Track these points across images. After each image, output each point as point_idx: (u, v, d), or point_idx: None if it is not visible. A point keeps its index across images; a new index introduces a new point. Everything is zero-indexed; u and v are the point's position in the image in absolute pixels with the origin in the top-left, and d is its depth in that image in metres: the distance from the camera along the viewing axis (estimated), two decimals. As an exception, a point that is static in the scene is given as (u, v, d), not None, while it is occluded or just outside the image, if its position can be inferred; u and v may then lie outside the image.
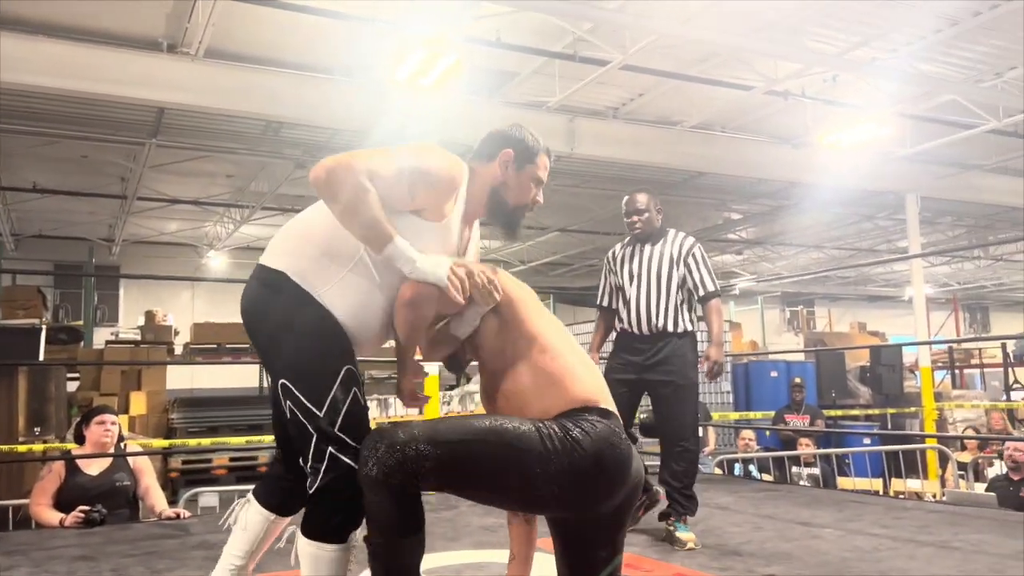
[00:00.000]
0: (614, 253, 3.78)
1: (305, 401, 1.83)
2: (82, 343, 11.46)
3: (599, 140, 8.42)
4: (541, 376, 1.87)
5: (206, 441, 7.54)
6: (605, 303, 3.81)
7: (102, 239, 13.79)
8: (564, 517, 1.90)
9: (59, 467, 3.86)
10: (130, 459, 3.97)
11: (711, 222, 13.76)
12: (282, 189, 10.35)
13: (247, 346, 11.63)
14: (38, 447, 6.60)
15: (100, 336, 13.04)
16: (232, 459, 9.19)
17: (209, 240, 14.33)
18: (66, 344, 10.48)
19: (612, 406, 1.90)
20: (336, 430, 1.82)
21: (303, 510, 1.91)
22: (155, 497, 3.96)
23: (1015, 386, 12.92)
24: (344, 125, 7.73)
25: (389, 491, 1.71)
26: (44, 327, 8.28)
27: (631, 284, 3.60)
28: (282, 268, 1.91)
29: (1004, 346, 12.90)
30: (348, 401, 1.84)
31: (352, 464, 1.79)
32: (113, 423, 3.98)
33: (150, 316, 11.80)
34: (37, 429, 6.90)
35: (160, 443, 8.01)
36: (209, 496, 6.03)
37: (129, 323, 13.77)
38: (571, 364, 1.89)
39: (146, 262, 14.91)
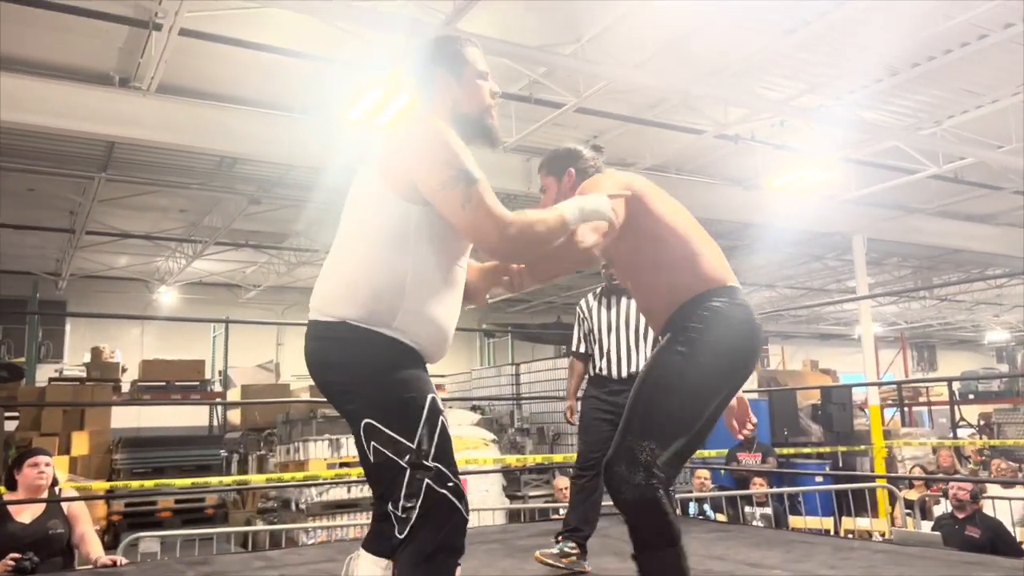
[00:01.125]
0: (587, 304, 4.00)
1: (396, 436, 1.77)
2: (23, 380, 11.10)
3: (555, 180, 8.50)
4: (673, 266, 2.19)
5: (149, 483, 7.30)
6: (581, 350, 4.01)
7: (48, 273, 13.45)
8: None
9: None
10: (64, 505, 3.82)
11: (666, 261, 13.93)
12: (236, 224, 10.24)
13: (196, 383, 11.41)
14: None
15: (44, 373, 12.64)
16: (178, 501, 8.92)
17: (160, 275, 14.06)
18: (6, 382, 10.14)
19: (734, 280, 2.22)
20: (431, 460, 1.76)
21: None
22: (91, 544, 3.81)
23: (961, 423, 13.22)
24: (299, 161, 7.71)
25: (658, 502, 1.93)
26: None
27: (609, 334, 3.85)
28: (340, 317, 1.84)
29: (950, 385, 13.22)
30: (438, 431, 1.80)
31: (448, 495, 1.75)
32: (47, 464, 3.84)
33: (97, 353, 11.51)
34: (-32, 472, 6.61)
35: (101, 485, 7.74)
36: (150, 541, 5.82)
37: (75, 360, 13.38)
38: (697, 250, 2.20)
39: (95, 297, 14.56)
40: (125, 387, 11.44)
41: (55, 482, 3.92)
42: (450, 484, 1.77)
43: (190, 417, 12.76)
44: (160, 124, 6.59)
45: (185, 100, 6.72)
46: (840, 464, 10.12)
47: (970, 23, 5.86)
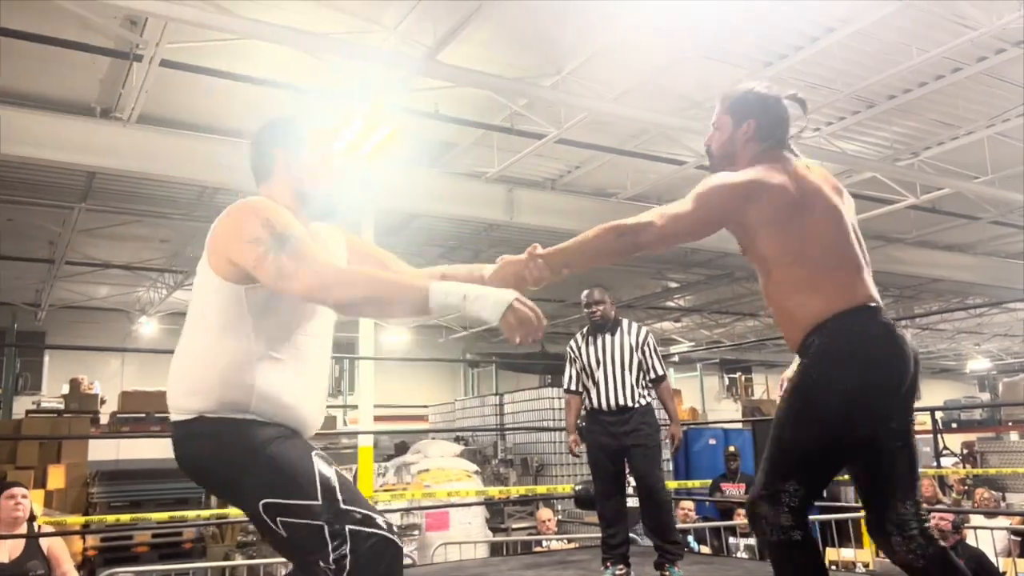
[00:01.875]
0: (577, 342, 4.33)
1: (300, 501, 1.75)
2: (-1, 413, 10.94)
3: (537, 210, 8.56)
4: (815, 277, 2.07)
5: (125, 517, 7.17)
6: (573, 387, 4.36)
7: (27, 304, 13.30)
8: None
9: None
10: (44, 545, 3.73)
11: (649, 290, 13.99)
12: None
13: (177, 415, 11.26)
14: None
15: (21, 405, 12.44)
16: (155, 535, 8.76)
17: (141, 305, 13.94)
18: (-19, 414, 9.98)
19: (873, 292, 2.10)
20: (344, 506, 1.76)
21: None
22: None
23: (944, 452, 13.22)
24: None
25: (803, 545, 1.94)
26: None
27: (598, 368, 4.17)
28: (197, 412, 1.83)
29: (933, 413, 13.24)
30: (336, 479, 1.79)
31: (375, 531, 1.75)
32: (24, 496, 3.77)
33: (75, 384, 11.35)
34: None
35: (77, 520, 7.59)
36: (124, 577, 5.70)
37: (53, 391, 13.18)
38: (823, 275, 2.07)
39: (74, 328, 14.38)
40: (104, 419, 11.26)
41: (32, 517, 3.84)
42: (373, 521, 1.76)
43: (169, 449, 12.54)
44: (141, 154, 6.57)
45: (166, 131, 6.72)
46: (824, 494, 10.07)
47: (944, 56, 5.97)
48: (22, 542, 3.68)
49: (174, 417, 1.87)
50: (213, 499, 10.12)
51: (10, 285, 12.20)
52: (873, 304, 2.07)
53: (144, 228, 9.84)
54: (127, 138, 6.50)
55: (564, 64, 6.14)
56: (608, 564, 4.06)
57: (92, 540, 8.34)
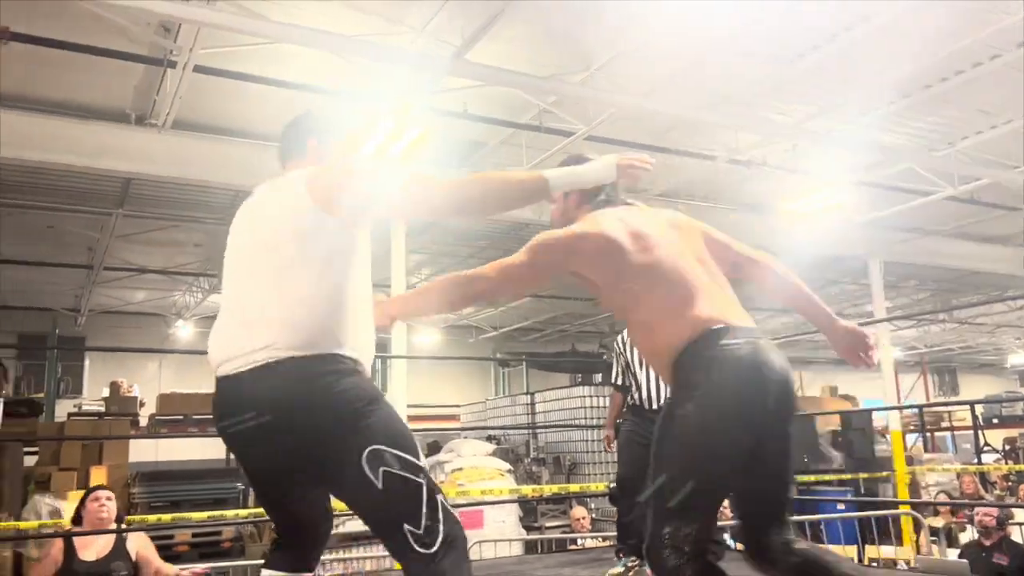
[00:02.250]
0: (623, 339, 4.31)
1: (406, 455, 1.76)
2: (42, 416, 11.16)
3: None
4: (658, 312, 2.05)
5: (166, 517, 7.29)
6: (619, 382, 4.33)
7: (67, 309, 13.57)
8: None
9: (56, 552, 3.79)
10: (132, 547, 3.83)
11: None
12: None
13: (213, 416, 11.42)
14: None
15: (63, 408, 12.70)
16: (195, 535, 8.89)
17: (177, 309, 14.15)
18: (25, 417, 10.20)
19: (734, 318, 2.03)
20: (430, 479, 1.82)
21: None
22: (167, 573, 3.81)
23: (986, 448, 12.98)
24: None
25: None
26: (2, 400, 8.08)
27: (641, 368, 4.12)
28: (287, 353, 1.77)
29: (973, 409, 13.00)
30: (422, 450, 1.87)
31: (453, 512, 1.80)
32: (109, 499, 3.92)
33: (115, 387, 11.55)
34: (-11, 508, 6.65)
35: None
36: None
37: (94, 394, 13.45)
38: (687, 291, 2.04)
39: (113, 332, 14.67)
40: (143, 421, 11.46)
41: (120, 518, 3.96)
42: (449, 503, 1.81)
43: (207, 450, 12.76)
44: (175, 160, 6.68)
45: (200, 136, 6.81)
46: (862, 491, 9.94)
47: (982, 43, 5.84)
48: (110, 543, 3.80)
49: (270, 357, 1.77)
50: (250, 498, 10.26)
51: (51, 291, 12.47)
52: (717, 327, 1.98)
53: (179, 233, 9.99)
54: (162, 144, 6.60)
55: (593, 60, 6.12)
56: (621, 555, 4.01)
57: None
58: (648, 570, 3.90)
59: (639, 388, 4.14)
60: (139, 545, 3.88)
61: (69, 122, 6.47)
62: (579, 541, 7.23)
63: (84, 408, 11.95)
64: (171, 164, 6.66)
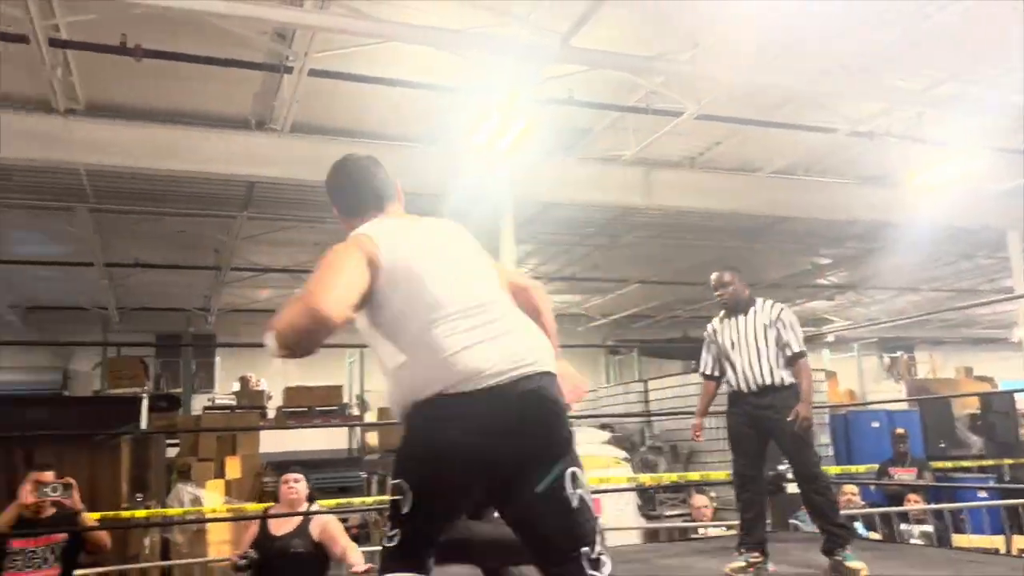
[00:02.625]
0: (713, 327, 4.31)
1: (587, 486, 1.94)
2: (180, 410, 11.90)
3: (677, 190, 8.36)
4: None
5: (297, 504, 7.60)
6: (709, 371, 4.33)
7: (199, 309, 14.40)
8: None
9: (255, 526, 4.19)
10: (314, 529, 4.04)
11: (798, 268, 13.37)
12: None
13: (336, 407, 11.87)
14: (140, 513, 6.82)
15: (198, 402, 13.51)
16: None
17: (299, 306, 14.74)
18: (166, 411, 10.90)
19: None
20: None
21: None
22: (351, 557, 4.00)
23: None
24: (423, 190, 7.90)
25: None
26: (146, 396, 8.65)
27: (734, 351, 4.12)
28: (553, 370, 2.00)
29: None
30: None
31: None
32: (296, 481, 4.14)
33: (244, 381, 12.19)
34: (139, 496, 7.14)
35: (255, 507, 8.15)
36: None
37: (225, 389, 14.23)
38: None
39: (241, 329, 15.46)
40: (271, 413, 12.03)
41: (312, 499, 4.20)
42: None
43: (331, 440, 13.27)
44: (294, 162, 6.94)
45: (316, 138, 7.05)
46: (1007, 477, 9.32)
47: None
48: (297, 522, 4.07)
49: (545, 368, 1.95)
50: (374, 486, 10.61)
51: (183, 292, 13.25)
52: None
53: (298, 233, 10.39)
54: (281, 147, 6.88)
55: (701, 36, 5.94)
56: (742, 550, 3.96)
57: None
58: (770, 566, 3.85)
59: (735, 370, 4.11)
60: (321, 527, 4.08)
61: (195, 131, 6.83)
62: (700, 530, 7.09)
63: (217, 402, 12.64)
64: (290, 166, 6.93)
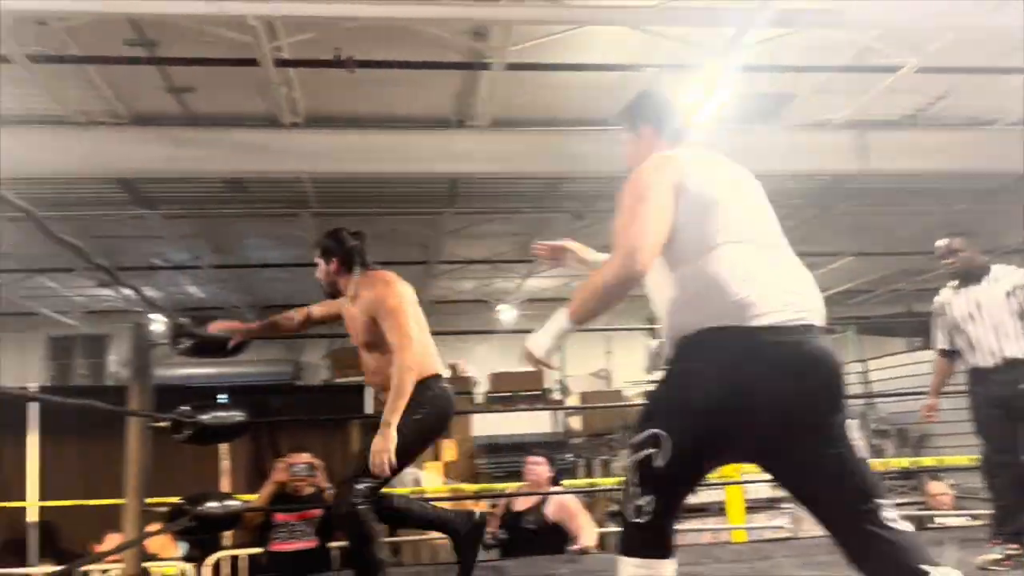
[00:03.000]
0: (943, 299, 4.02)
1: None
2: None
3: (896, 152, 7.68)
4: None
5: (512, 485, 7.87)
6: (943, 347, 4.05)
7: (409, 302, 15.25)
8: None
9: (505, 501, 4.61)
10: (553, 507, 4.25)
11: (1044, 229, 11.88)
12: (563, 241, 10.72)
13: (539, 392, 12.14)
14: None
15: (414, 389, 14.31)
16: (492, 506, 9.52)
17: (499, 295, 15.25)
18: (386, 398, 11.67)
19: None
20: None
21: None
22: (583, 535, 4.16)
23: None
24: (622, 173, 7.85)
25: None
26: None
27: (970, 324, 3.82)
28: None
29: None
30: None
31: None
32: (536, 463, 4.36)
33: (453, 368, 12.77)
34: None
35: (471, 487, 8.54)
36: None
37: (438, 376, 14.97)
38: None
39: (446, 320, 16.22)
40: (478, 398, 12.52)
41: (556, 479, 4.46)
42: None
43: (535, 425, 13.58)
44: (494, 156, 7.14)
45: (515, 131, 7.20)
46: None
47: None
48: (534, 500, 4.42)
49: (820, 322, 1.93)
50: (580, 470, 10.74)
51: (396, 287, 14.08)
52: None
53: (498, 225, 10.72)
54: (483, 143, 7.10)
55: (920, -18, 5.41)
56: (997, 542, 3.64)
57: (482, 505, 9.32)
58: None
59: (972, 347, 3.81)
60: (559, 505, 4.24)
61: (402, 134, 7.21)
62: (936, 519, 6.54)
63: (432, 388, 13.30)
64: (491, 161, 7.14)
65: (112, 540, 5.48)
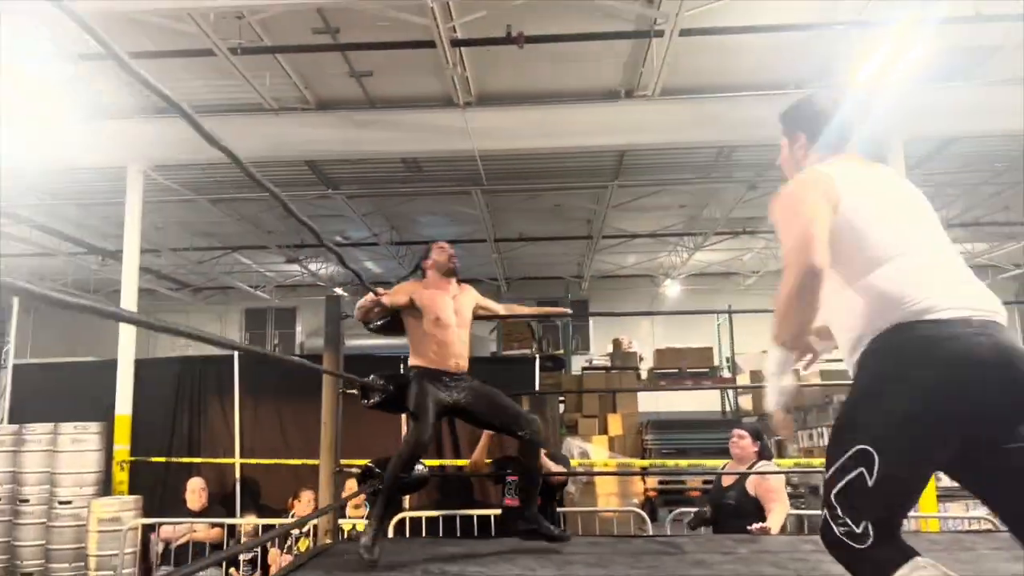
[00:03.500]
0: None
1: None
2: (564, 370, 12.84)
3: (1124, 106, 6.79)
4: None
5: (683, 462, 7.79)
6: None
7: (573, 276, 15.37)
8: None
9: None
10: (753, 483, 4.22)
11: None
12: (734, 213, 10.38)
13: (706, 370, 11.85)
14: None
15: (576, 363, 14.45)
16: (705, 482, 9.35)
17: (664, 269, 15.00)
18: (552, 371, 11.84)
19: None
20: None
21: None
22: (771, 517, 4.09)
23: None
24: (800, 139, 7.47)
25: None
26: (537, 357, 9.45)
27: None
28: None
29: None
30: None
31: None
32: (741, 437, 4.33)
33: (617, 344, 12.72)
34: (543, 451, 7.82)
35: (639, 463, 8.52)
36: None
37: (599, 350, 15.03)
38: None
39: (609, 295, 16.20)
40: (643, 374, 12.42)
41: (765, 455, 4.39)
42: None
43: (703, 402, 13.32)
44: (664, 127, 6.99)
45: (684, 99, 7.01)
46: None
47: None
48: (739, 477, 4.27)
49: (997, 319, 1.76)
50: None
51: (560, 260, 14.24)
52: None
53: (665, 197, 10.52)
54: (651, 113, 6.97)
55: None
56: None
57: (651, 482, 9.27)
58: None
59: None
60: (759, 482, 4.17)
61: (569, 108, 7.20)
62: None
63: (594, 363, 13.37)
64: (660, 131, 7.01)
65: (306, 497, 5.94)
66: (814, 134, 2.10)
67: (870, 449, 1.63)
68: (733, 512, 4.07)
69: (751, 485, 4.11)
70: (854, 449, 1.65)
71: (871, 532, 1.62)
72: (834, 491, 1.68)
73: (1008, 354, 1.65)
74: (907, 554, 1.63)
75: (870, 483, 1.62)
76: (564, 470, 4.84)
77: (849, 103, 2.12)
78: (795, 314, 1.76)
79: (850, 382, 1.84)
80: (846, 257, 1.83)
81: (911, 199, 1.98)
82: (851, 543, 1.64)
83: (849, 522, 1.65)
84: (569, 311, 4.65)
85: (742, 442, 4.24)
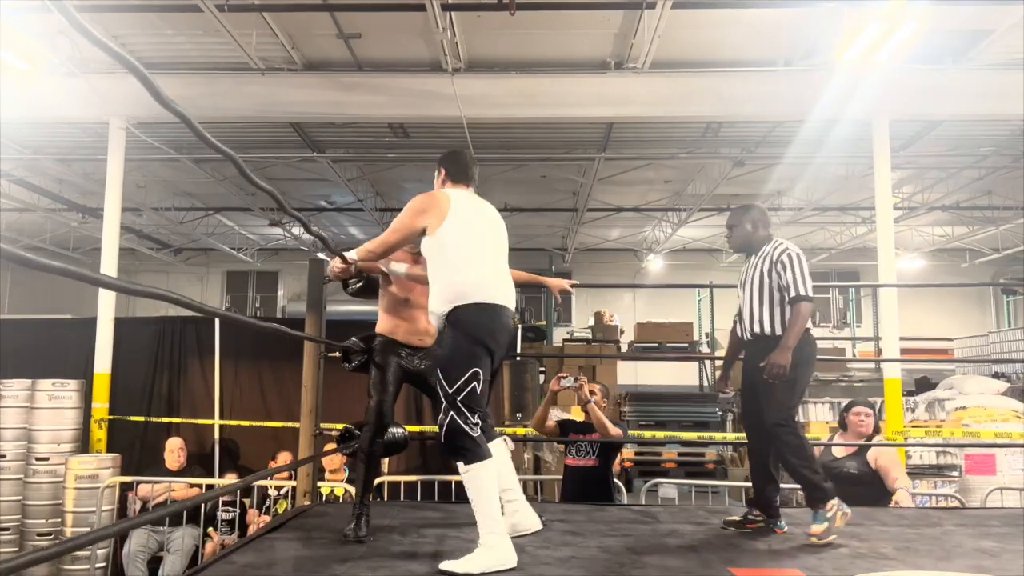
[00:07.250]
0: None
1: None
2: (545, 341, 12.90)
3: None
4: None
5: (660, 434, 7.89)
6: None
7: (557, 248, 15.37)
8: None
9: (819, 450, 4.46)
10: (873, 456, 4.28)
11: None
12: (719, 190, 10.40)
13: (686, 344, 11.97)
14: (520, 431, 7.54)
15: (558, 335, 14.53)
16: (680, 454, 9.49)
17: (648, 244, 15.04)
18: (533, 341, 11.90)
19: None
20: None
21: None
22: (898, 494, 4.16)
23: None
24: (786, 117, 7.48)
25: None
26: (519, 327, 9.50)
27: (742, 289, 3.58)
28: None
29: None
30: None
31: None
32: (867, 415, 4.39)
33: (599, 316, 12.79)
34: (519, 415, 7.89)
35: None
36: (667, 488, 6.28)
37: (581, 323, 15.11)
38: None
39: (593, 267, 16.24)
40: (623, 347, 12.52)
41: (877, 430, 4.47)
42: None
43: (681, 376, 13.46)
44: (653, 100, 6.97)
45: (674, 72, 6.98)
46: None
47: None
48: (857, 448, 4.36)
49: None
50: (729, 424, 10.56)
51: (544, 232, 14.22)
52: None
53: (650, 171, 10.52)
54: (639, 86, 6.94)
55: None
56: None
57: (627, 453, 9.38)
58: None
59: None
60: (878, 455, 4.24)
61: (557, 78, 7.15)
62: None
63: (575, 335, 13.45)
64: (649, 104, 6.98)
65: (284, 459, 5.96)
66: (451, 172, 3.23)
67: (478, 370, 2.84)
68: (853, 480, 4.19)
69: (872, 458, 4.25)
70: (469, 372, 2.81)
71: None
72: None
73: (511, 324, 2.98)
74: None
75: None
76: (622, 435, 4.92)
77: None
78: (377, 253, 3.16)
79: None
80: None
81: (496, 232, 3.15)
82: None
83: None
84: (571, 289, 3.90)
85: (868, 419, 4.38)
